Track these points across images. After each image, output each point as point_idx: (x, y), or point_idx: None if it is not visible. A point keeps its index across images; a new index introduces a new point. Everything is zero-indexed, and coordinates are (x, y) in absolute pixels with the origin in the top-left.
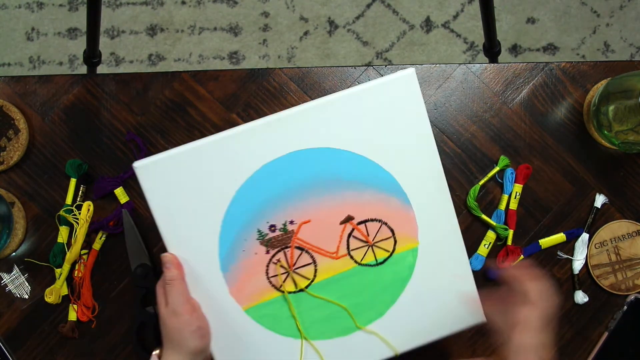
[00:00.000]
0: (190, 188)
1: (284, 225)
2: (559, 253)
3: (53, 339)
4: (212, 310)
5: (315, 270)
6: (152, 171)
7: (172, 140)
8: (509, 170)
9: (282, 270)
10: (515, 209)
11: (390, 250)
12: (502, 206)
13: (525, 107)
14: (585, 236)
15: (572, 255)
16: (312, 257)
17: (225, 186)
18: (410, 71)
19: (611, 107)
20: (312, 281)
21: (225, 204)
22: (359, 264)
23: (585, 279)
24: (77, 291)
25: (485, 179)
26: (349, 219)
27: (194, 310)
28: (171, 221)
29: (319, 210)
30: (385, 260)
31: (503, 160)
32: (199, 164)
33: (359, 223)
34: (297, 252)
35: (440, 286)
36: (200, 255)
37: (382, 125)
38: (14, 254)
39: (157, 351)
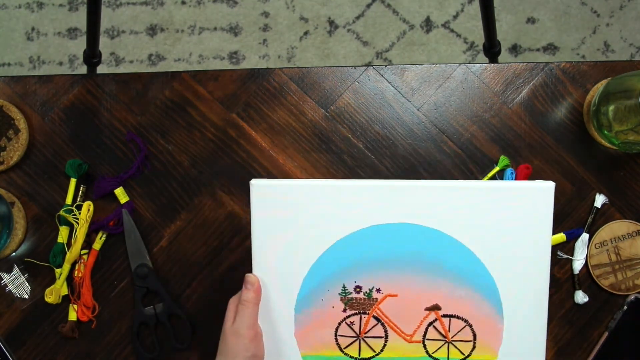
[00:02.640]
0: (295, 222)
1: (370, 290)
2: (559, 253)
3: (53, 339)
4: (272, 343)
5: (384, 346)
6: (266, 192)
7: (172, 140)
8: (509, 170)
9: (352, 333)
10: None
11: (466, 354)
12: None
13: (525, 107)
14: (585, 236)
15: (572, 255)
16: (385, 331)
17: (328, 232)
18: (550, 185)
19: (611, 107)
20: (377, 354)
21: (322, 249)
22: (430, 355)
23: (585, 279)
24: (77, 291)
25: (485, 179)
26: (436, 307)
27: (256, 338)
28: (266, 245)
29: (409, 288)
30: None
31: (503, 160)
32: (311, 202)
33: (444, 316)
34: (373, 321)
35: None
36: (280, 288)
37: (502, 229)
38: (14, 254)
39: None
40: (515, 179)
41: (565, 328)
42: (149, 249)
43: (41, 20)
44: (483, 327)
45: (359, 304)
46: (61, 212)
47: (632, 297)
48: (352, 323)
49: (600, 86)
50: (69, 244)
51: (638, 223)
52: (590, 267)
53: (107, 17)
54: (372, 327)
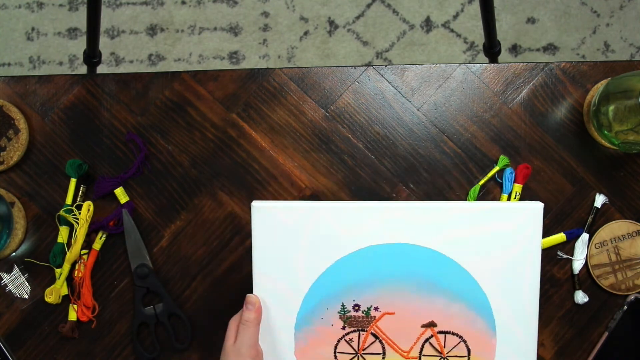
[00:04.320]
0: (295, 242)
1: (368, 308)
2: (559, 253)
3: (53, 339)
4: None
5: None
6: (266, 214)
7: (172, 140)
8: (508, 170)
9: (351, 350)
10: None
11: None
12: None
13: (525, 107)
14: (585, 236)
15: (572, 255)
16: (383, 347)
17: (327, 252)
18: (539, 205)
19: (611, 107)
20: None
21: (321, 268)
22: None
23: (585, 279)
24: (77, 291)
25: (485, 178)
26: (431, 324)
27: (257, 357)
28: (267, 265)
29: (406, 306)
30: None
31: (503, 160)
32: (311, 223)
33: (440, 332)
34: (371, 338)
35: None
36: (281, 307)
37: (494, 248)
38: (14, 254)
39: None
40: (515, 179)
41: (565, 328)
42: (149, 249)
43: (41, 20)
44: (477, 343)
45: (358, 321)
46: (61, 212)
47: (632, 297)
48: (350, 340)
49: (600, 86)
50: (69, 244)
51: (638, 223)
52: (590, 267)
53: (107, 17)
54: (370, 344)
